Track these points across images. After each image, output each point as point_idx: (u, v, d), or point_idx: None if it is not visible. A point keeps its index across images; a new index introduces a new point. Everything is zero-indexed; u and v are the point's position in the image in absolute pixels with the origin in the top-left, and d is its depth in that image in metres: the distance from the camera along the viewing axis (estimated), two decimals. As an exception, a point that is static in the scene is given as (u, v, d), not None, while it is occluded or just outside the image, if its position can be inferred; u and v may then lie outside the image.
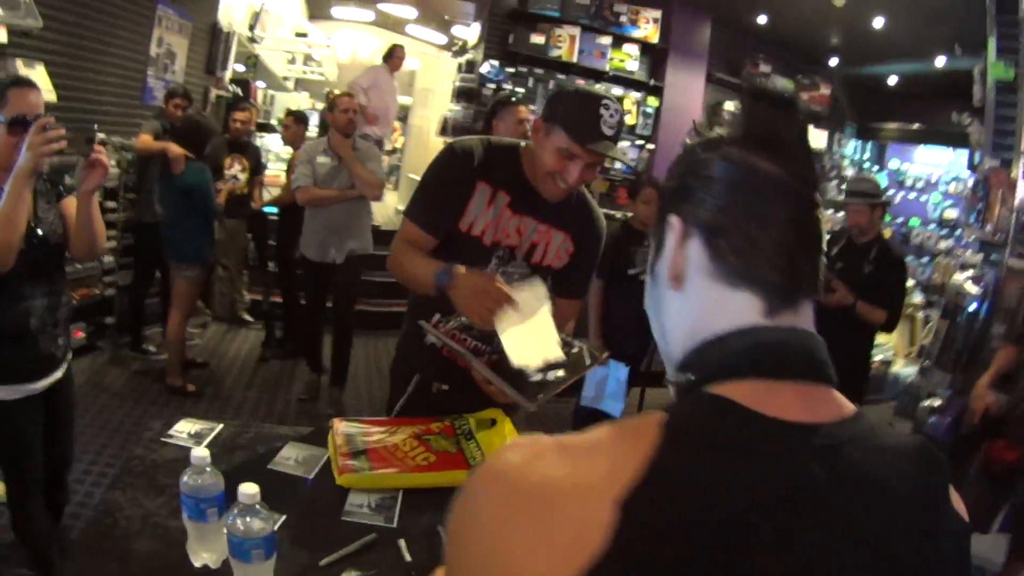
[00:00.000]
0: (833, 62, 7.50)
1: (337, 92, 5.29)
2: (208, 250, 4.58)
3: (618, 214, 6.07)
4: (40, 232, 2.11)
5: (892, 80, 7.44)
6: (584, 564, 0.53)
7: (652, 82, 6.85)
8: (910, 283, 3.97)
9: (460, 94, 7.37)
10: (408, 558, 1.44)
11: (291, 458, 1.74)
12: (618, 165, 6.31)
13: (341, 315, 4.60)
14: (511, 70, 6.50)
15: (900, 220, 7.61)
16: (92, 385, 4.48)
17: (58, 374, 2.26)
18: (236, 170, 5.19)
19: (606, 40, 6.61)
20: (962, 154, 6.31)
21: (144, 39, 5.56)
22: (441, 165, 1.91)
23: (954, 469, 0.92)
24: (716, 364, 0.66)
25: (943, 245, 6.89)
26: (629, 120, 6.67)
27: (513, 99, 3.32)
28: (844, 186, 3.58)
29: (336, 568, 1.38)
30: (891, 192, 7.47)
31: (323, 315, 4.78)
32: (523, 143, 1.93)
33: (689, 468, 0.57)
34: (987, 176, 4.37)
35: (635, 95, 6.86)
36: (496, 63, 6.42)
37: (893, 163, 8.10)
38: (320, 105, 9.48)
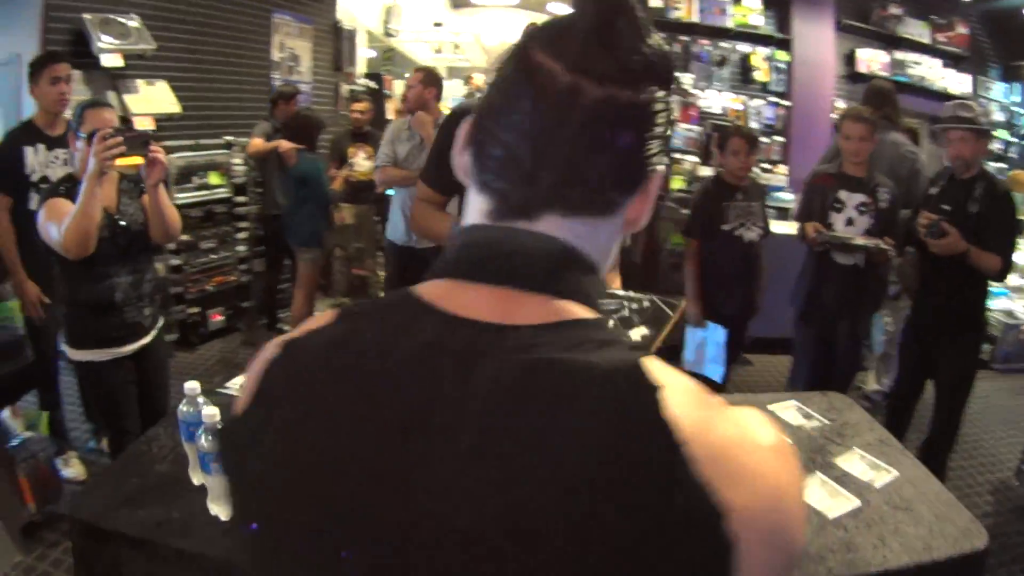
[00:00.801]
0: (968, -2, 6.75)
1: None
2: (324, 233, 4.95)
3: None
4: (122, 222, 2.49)
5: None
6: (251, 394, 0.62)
7: (779, 35, 6.50)
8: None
9: None
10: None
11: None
12: (753, 124, 6.09)
13: None
14: None
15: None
16: (225, 363, 4.98)
17: (145, 340, 2.60)
18: (360, 158, 5.54)
19: (726, -6, 6.34)
20: None
21: (264, 46, 6.09)
22: (442, 127, 2.07)
23: None
24: (432, 267, 0.64)
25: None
26: (761, 77, 6.39)
27: None
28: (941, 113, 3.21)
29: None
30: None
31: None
32: None
33: (324, 329, 0.61)
34: None
35: (763, 51, 6.53)
36: None
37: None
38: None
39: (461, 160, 0.67)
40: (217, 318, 5.35)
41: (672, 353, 3.76)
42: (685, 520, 0.49)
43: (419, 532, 0.52)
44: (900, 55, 6.67)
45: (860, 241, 3.15)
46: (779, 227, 4.49)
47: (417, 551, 0.52)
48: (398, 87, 10.37)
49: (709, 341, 3.62)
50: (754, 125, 6.11)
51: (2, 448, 2.69)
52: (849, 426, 1.66)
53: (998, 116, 7.15)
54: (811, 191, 3.44)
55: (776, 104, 6.45)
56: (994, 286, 3.56)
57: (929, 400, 3.13)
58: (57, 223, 2.25)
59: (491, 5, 10.78)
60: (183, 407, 1.50)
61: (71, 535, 1.51)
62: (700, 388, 0.56)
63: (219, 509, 1.45)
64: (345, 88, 7.78)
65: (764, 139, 6.15)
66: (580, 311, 0.60)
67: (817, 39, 6.42)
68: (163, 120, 4.98)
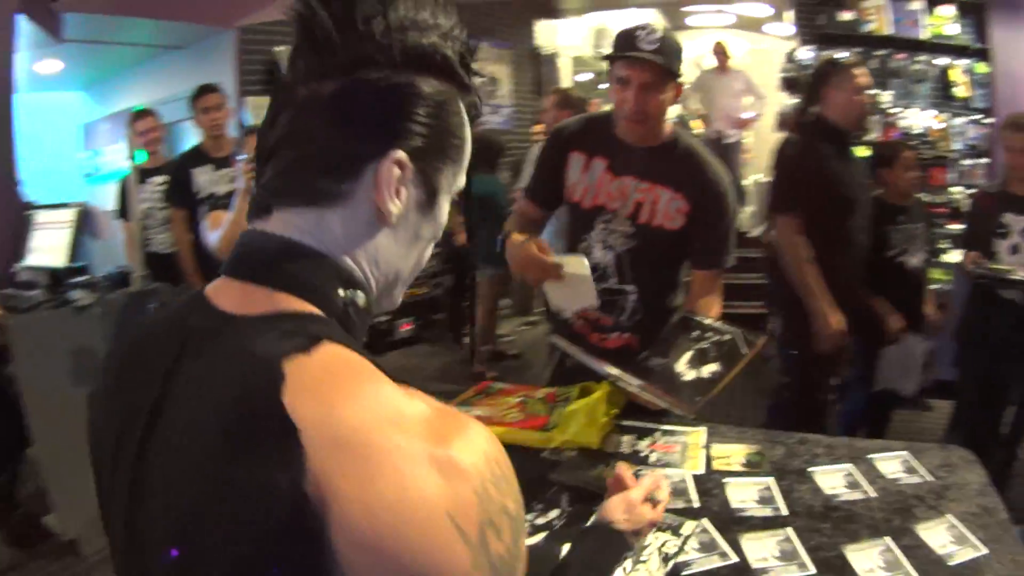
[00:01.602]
0: None
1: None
2: (502, 252, 5.10)
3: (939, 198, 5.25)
4: None
5: None
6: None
7: (977, 45, 5.70)
8: None
9: (787, 84, 7.01)
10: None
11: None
12: (956, 145, 5.41)
13: None
14: (826, 54, 5.98)
15: None
16: (408, 370, 5.26)
17: None
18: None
19: (918, 5, 5.71)
20: None
21: (464, 71, 6.43)
22: (545, 144, 2.13)
23: None
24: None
25: None
26: (961, 92, 5.65)
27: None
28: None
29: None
30: None
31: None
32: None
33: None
34: None
35: (961, 63, 5.77)
36: (810, 48, 5.99)
37: None
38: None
39: None
40: (406, 328, 5.69)
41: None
42: (290, 508, 0.49)
43: (142, 506, 0.59)
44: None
45: (1021, 275, 2.73)
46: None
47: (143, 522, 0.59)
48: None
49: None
50: (956, 146, 5.53)
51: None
52: (955, 488, 1.39)
53: None
54: (974, 214, 3.05)
55: (976, 122, 5.67)
56: None
57: None
58: (215, 231, 2.59)
59: (707, 26, 10.51)
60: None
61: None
62: (355, 380, 0.56)
63: None
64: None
65: (967, 161, 5.57)
66: (293, 303, 0.62)
67: (1017, 49, 5.53)
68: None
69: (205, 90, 3.55)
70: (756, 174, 8.23)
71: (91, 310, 2.79)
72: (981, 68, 5.72)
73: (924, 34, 5.70)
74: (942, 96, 5.72)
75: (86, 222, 3.09)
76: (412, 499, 0.50)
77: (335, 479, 0.49)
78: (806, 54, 6.05)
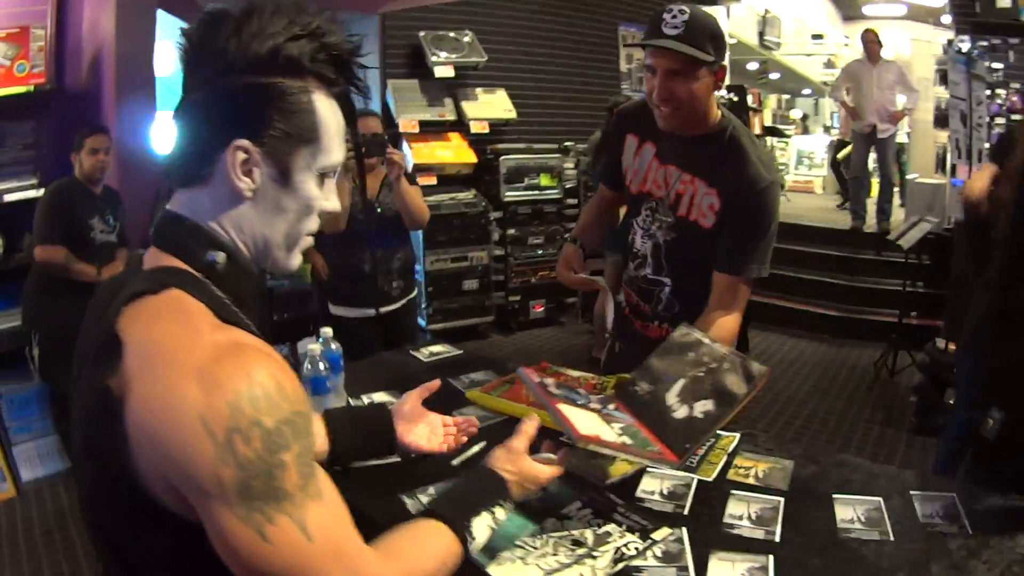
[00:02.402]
0: None
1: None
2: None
3: None
4: (379, 209, 2.91)
5: None
6: None
7: None
8: None
9: (944, 78, 6.29)
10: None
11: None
12: None
13: None
14: (983, 43, 5.28)
15: None
16: (536, 348, 5.33)
17: (392, 307, 2.99)
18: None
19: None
20: None
21: (611, 57, 6.33)
22: (610, 127, 2.08)
23: None
24: None
25: None
26: None
27: None
28: None
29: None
30: None
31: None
32: None
33: None
34: None
35: None
36: (967, 38, 5.31)
37: None
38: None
39: None
40: (538, 309, 5.74)
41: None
42: (104, 398, 0.72)
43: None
44: None
45: None
46: None
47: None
48: (771, 101, 9.95)
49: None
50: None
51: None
52: (996, 547, 1.15)
53: None
54: None
55: None
56: None
57: None
58: None
59: (882, 16, 9.66)
60: (307, 368, 1.70)
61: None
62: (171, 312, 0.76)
63: None
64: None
65: None
66: (170, 260, 0.83)
67: None
68: (499, 124, 5.53)
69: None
70: (914, 172, 7.50)
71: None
72: None
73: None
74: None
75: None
76: (173, 399, 0.69)
77: (133, 379, 0.71)
78: (963, 44, 5.39)
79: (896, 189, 6.55)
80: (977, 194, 2.18)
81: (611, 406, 1.31)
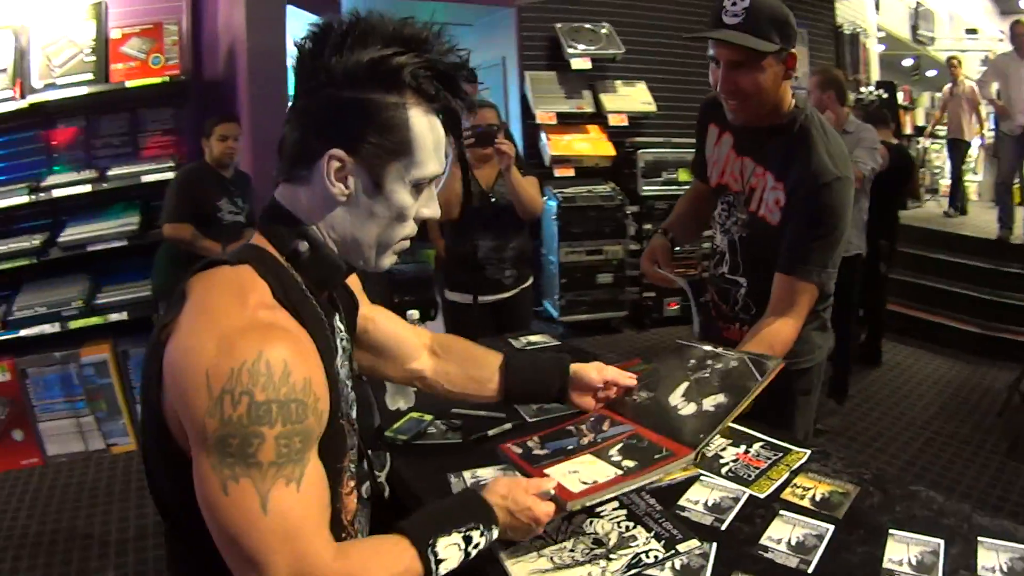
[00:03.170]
0: None
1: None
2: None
3: None
4: (492, 199, 2.94)
5: None
6: None
7: None
8: None
9: None
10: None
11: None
12: None
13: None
14: None
15: None
16: (655, 345, 5.19)
17: (503, 295, 3.02)
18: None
19: None
20: None
21: (753, 51, 6.04)
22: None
23: None
24: None
25: None
26: None
27: None
28: None
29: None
30: None
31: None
32: None
33: None
34: None
35: None
36: None
37: None
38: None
39: None
40: (673, 306, 5.62)
41: None
42: (156, 344, 0.83)
43: None
44: None
45: None
46: None
47: None
48: (924, 99, 9.16)
49: None
50: None
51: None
52: None
53: None
54: None
55: None
56: None
57: None
58: None
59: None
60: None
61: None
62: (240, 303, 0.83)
63: (393, 402, 1.72)
64: (851, 95, 7.21)
65: None
66: (262, 241, 0.93)
67: None
68: (638, 117, 5.43)
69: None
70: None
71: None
72: None
73: None
74: None
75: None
76: (194, 349, 0.78)
77: (179, 327, 0.82)
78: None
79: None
80: None
81: (604, 425, 1.26)
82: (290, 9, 3.71)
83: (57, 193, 3.45)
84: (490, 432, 1.52)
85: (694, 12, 5.76)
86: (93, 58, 3.51)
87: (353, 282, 1.18)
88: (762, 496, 1.27)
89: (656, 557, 1.05)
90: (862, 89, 7.38)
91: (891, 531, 1.15)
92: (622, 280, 5.38)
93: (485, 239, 2.93)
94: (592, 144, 5.36)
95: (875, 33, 7.68)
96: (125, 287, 3.63)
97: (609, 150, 5.37)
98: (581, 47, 5.19)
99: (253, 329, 0.79)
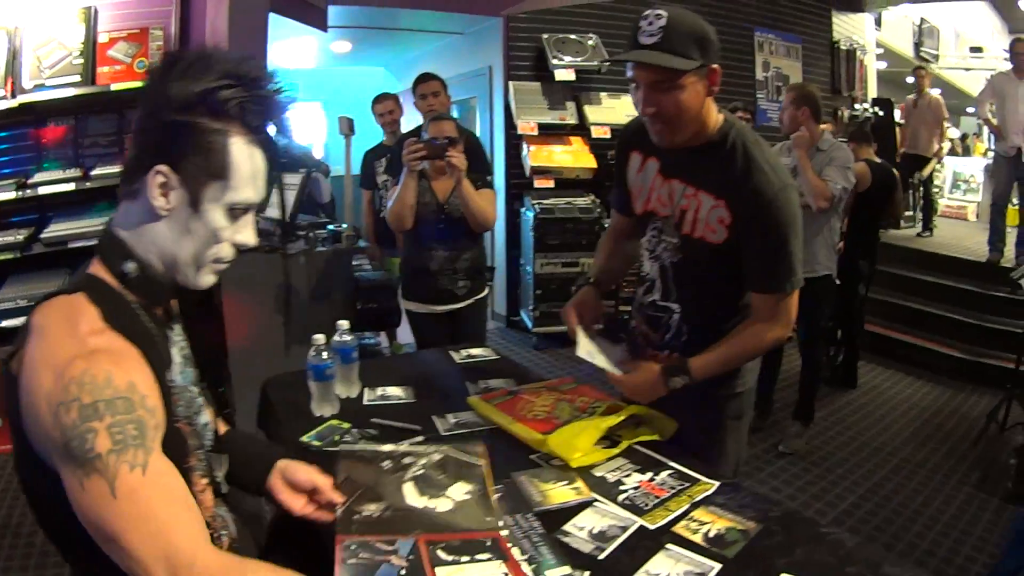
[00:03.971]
0: None
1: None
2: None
3: None
4: (446, 209, 2.96)
5: None
6: None
7: None
8: None
9: None
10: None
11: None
12: None
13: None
14: None
15: None
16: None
17: (457, 305, 3.05)
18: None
19: None
20: None
21: (747, 64, 6.05)
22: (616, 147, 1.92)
23: None
24: None
25: None
26: None
27: None
28: None
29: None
30: None
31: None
32: None
33: None
34: None
35: None
36: None
37: None
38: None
39: None
40: None
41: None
42: (10, 376, 0.92)
43: None
44: None
45: None
46: None
47: None
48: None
49: None
50: None
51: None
52: None
53: None
54: None
55: None
56: None
57: None
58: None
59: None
60: (311, 355, 1.79)
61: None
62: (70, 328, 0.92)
63: (318, 409, 1.77)
64: (844, 113, 7.21)
65: None
66: (97, 268, 1.01)
67: None
68: (621, 130, 5.42)
69: (382, 98, 4.25)
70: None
71: (296, 258, 3.22)
72: None
73: None
74: None
75: (312, 186, 3.57)
76: (33, 386, 0.88)
77: (24, 360, 0.90)
78: None
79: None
80: None
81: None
82: (273, 17, 3.74)
83: (43, 190, 3.50)
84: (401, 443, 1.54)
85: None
86: (81, 61, 3.56)
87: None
88: (652, 527, 1.26)
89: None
90: (856, 106, 7.38)
91: (782, 575, 1.12)
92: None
93: (439, 250, 2.98)
94: (573, 156, 5.38)
95: (874, 50, 7.66)
96: (104, 283, 3.69)
97: (591, 162, 5.37)
98: (567, 58, 5.20)
99: (79, 356, 0.87)
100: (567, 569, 1.11)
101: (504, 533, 1.19)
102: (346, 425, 1.69)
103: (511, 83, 5.36)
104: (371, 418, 1.71)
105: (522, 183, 5.45)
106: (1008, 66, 5.64)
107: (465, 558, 1.10)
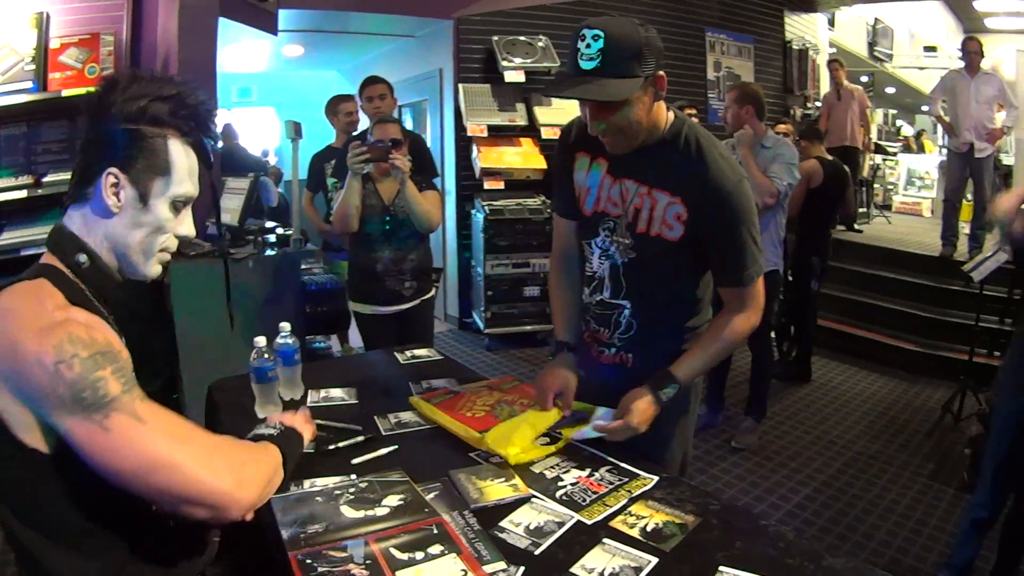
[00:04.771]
0: None
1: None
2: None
3: None
4: (391, 211, 2.98)
5: None
6: None
7: None
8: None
9: None
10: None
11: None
12: None
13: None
14: None
15: None
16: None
17: (404, 306, 3.06)
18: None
19: None
20: None
21: (699, 64, 6.13)
22: (556, 149, 1.90)
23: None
24: None
25: None
26: None
27: None
28: None
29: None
30: None
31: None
32: None
33: None
34: None
35: None
36: None
37: None
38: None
39: None
40: None
41: None
42: None
43: None
44: None
45: None
46: None
47: None
48: (878, 116, 9.37)
49: None
50: None
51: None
52: None
53: None
54: None
55: None
56: None
57: None
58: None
59: (1009, 30, 8.88)
60: (252, 357, 1.77)
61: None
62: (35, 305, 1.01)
63: (262, 411, 1.78)
64: (797, 112, 7.35)
65: None
66: (50, 259, 1.11)
67: None
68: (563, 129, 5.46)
69: (340, 99, 4.15)
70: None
71: (244, 263, 3.20)
72: None
73: None
74: None
75: (259, 190, 3.53)
76: (17, 349, 0.94)
77: None
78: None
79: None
80: (1004, 212, 2.10)
81: None
82: (223, 21, 3.71)
83: (-4, 198, 3.43)
84: (341, 444, 1.58)
85: (655, 25, 5.82)
86: (33, 66, 3.51)
87: None
88: (589, 523, 1.27)
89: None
90: (809, 104, 7.52)
91: (721, 568, 1.13)
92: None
93: (385, 251, 3.00)
94: (523, 157, 5.41)
95: (827, 49, 7.82)
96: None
97: (541, 163, 5.41)
98: (517, 60, 5.23)
99: (57, 324, 0.97)
100: (502, 564, 1.11)
101: (446, 518, 1.22)
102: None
103: (461, 85, 5.38)
104: (314, 419, 1.69)
105: (472, 185, 5.48)
106: (961, 64, 5.78)
107: (420, 555, 1.12)
